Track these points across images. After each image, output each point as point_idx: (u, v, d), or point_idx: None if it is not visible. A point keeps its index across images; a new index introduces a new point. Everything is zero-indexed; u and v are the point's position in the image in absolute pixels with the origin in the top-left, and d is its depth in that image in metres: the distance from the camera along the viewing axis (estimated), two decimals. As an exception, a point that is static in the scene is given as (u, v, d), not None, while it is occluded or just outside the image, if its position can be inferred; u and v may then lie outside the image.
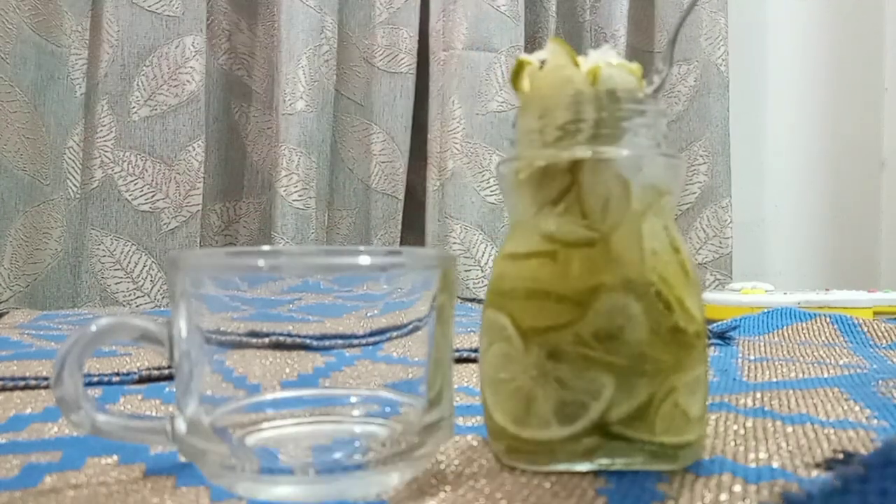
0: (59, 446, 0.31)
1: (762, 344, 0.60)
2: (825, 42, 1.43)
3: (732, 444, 0.30)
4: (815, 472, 0.27)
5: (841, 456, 0.28)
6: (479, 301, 1.10)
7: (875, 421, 0.34)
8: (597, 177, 0.27)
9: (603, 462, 0.27)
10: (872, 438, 0.31)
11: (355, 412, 0.29)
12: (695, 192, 1.30)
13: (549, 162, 0.28)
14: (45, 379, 0.43)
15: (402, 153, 1.19)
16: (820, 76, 1.43)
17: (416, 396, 0.27)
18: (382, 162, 1.19)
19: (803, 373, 0.47)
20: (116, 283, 1.01)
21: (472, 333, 0.58)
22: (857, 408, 0.36)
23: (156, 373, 0.46)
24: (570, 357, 0.26)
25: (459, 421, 0.34)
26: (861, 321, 0.65)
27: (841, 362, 0.51)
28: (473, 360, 0.50)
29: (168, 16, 1.04)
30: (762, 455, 0.29)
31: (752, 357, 0.54)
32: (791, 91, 1.43)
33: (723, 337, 0.62)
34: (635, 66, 0.29)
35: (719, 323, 0.67)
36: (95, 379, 0.44)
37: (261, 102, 1.17)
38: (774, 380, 0.45)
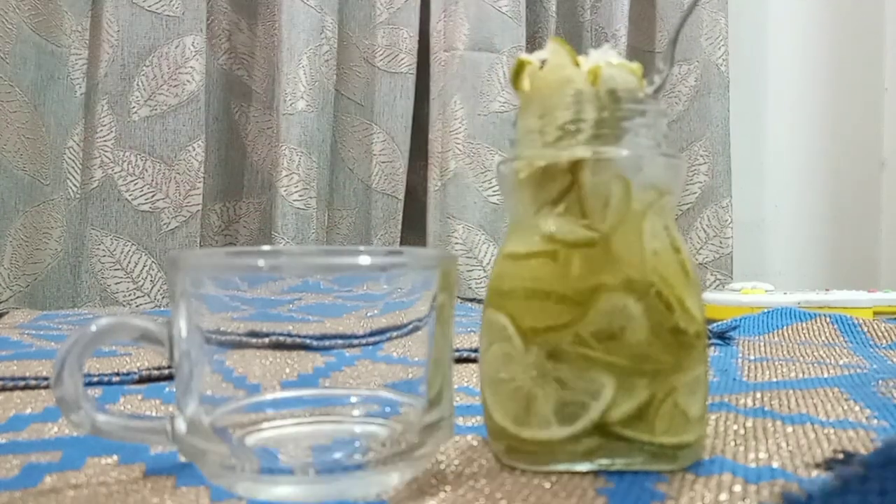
0: (59, 446, 0.31)
1: (762, 344, 0.60)
2: (825, 42, 1.43)
3: (732, 444, 0.30)
4: (815, 472, 0.27)
5: (841, 456, 0.28)
6: (480, 301, 1.10)
7: (875, 421, 0.34)
8: (597, 177, 0.27)
9: (603, 462, 0.27)
10: (872, 438, 0.31)
11: (355, 412, 0.29)
12: (695, 192, 1.30)
13: (550, 162, 0.28)
14: (45, 379, 0.43)
15: (402, 153, 1.19)
16: (820, 76, 1.43)
17: (416, 396, 0.27)
18: (382, 162, 1.19)
19: (803, 373, 0.47)
20: (116, 283, 1.01)
21: (472, 333, 0.58)
22: (857, 408, 0.36)
23: (156, 373, 0.46)
24: (571, 357, 0.26)
25: (459, 421, 0.34)
26: (861, 321, 0.65)
27: (841, 362, 0.51)
28: (473, 360, 0.50)
29: (168, 16, 1.04)
30: (762, 455, 0.29)
31: (752, 357, 0.54)
32: (791, 91, 1.43)
33: (723, 337, 0.62)
34: (636, 66, 0.29)
35: (719, 323, 0.67)
36: (95, 379, 0.44)
37: (261, 102, 1.17)
38: (774, 380, 0.45)
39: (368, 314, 0.28)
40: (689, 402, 0.27)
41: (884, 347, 0.58)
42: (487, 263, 1.15)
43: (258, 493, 0.24)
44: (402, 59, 1.19)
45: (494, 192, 1.18)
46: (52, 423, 0.35)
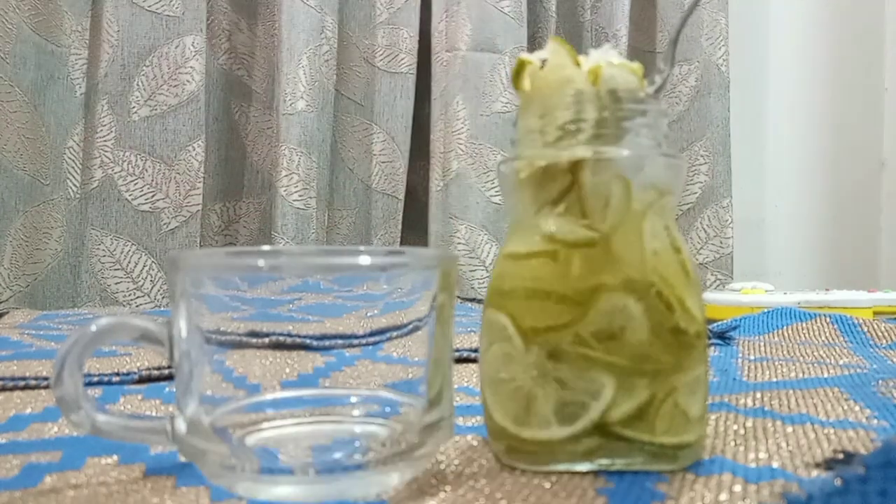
0: (59, 446, 0.31)
1: (762, 344, 0.60)
2: (825, 42, 1.43)
3: (732, 444, 0.30)
4: (815, 472, 0.27)
5: (841, 456, 0.28)
6: (480, 301, 1.10)
7: (875, 421, 0.34)
8: (597, 177, 0.27)
9: (603, 462, 0.27)
10: (872, 438, 0.31)
11: (355, 412, 0.29)
12: (695, 192, 1.30)
13: (550, 162, 0.27)
14: (45, 379, 0.43)
15: (402, 153, 1.19)
16: (820, 76, 1.43)
17: (416, 396, 0.27)
18: (382, 162, 1.19)
19: (803, 373, 0.47)
20: (116, 283, 1.01)
21: (472, 333, 0.58)
22: (857, 408, 0.36)
23: (156, 373, 0.46)
24: (571, 357, 0.26)
25: (459, 421, 0.34)
26: (861, 321, 0.65)
27: (841, 362, 0.51)
28: (473, 360, 0.50)
29: (168, 16, 1.04)
30: (762, 455, 0.29)
31: (752, 357, 0.54)
32: (791, 91, 1.43)
33: (723, 337, 0.62)
34: (636, 66, 0.29)
35: (719, 323, 0.67)
36: (95, 379, 0.44)
37: (261, 102, 1.17)
38: (774, 380, 0.45)
39: (368, 314, 0.28)
40: (689, 402, 0.27)
41: (884, 347, 0.58)
42: (490, 264, 1.15)
43: (258, 493, 0.24)
44: (402, 59, 1.19)
45: (497, 192, 1.18)
46: (52, 423, 0.35)
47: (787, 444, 0.30)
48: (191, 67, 1.04)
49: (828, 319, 0.67)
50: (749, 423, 0.33)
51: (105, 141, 1.02)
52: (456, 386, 0.43)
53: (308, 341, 0.27)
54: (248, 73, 1.18)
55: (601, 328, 0.26)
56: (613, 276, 0.26)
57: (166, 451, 0.30)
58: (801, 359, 0.53)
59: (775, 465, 0.27)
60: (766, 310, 0.72)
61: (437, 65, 1.20)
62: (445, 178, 1.18)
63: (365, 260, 0.26)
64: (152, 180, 1.03)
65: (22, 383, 0.43)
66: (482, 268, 1.16)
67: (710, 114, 1.30)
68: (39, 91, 1.00)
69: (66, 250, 1.01)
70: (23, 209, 0.98)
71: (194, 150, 1.04)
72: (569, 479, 0.26)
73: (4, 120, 0.96)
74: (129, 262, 1.01)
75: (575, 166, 0.27)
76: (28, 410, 0.38)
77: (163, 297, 1.02)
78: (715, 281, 1.29)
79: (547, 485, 0.26)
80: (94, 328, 0.26)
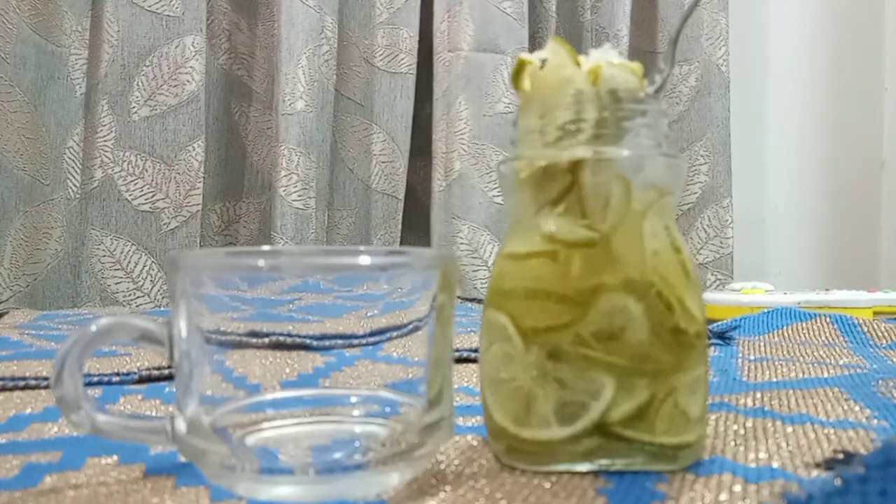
0: (59, 446, 0.31)
1: (762, 344, 0.60)
2: (825, 42, 1.43)
3: (732, 444, 0.30)
4: (815, 472, 0.27)
5: (841, 456, 0.28)
6: (480, 301, 1.10)
7: (875, 421, 0.34)
8: (598, 177, 0.27)
9: (603, 462, 0.27)
10: (872, 438, 0.31)
11: (355, 412, 0.29)
12: (696, 193, 1.30)
13: (550, 162, 0.27)
14: (45, 379, 0.43)
15: (402, 153, 1.19)
16: (820, 76, 1.43)
17: (416, 396, 0.27)
18: (382, 162, 1.19)
19: (803, 373, 0.47)
20: (116, 283, 1.01)
21: (472, 333, 0.58)
22: (857, 408, 0.36)
23: (156, 373, 0.46)
24: (571, 357, 0.26)
25: (459, 421, 0.34)
26: (861, 321, 0.65)
27: (841, 362, 0.51)
28: (473, 360, 0.50)
29: (168, 16, 1.04)
30: (762, 455, 0.29)
31: (752, 357, 0.54)
32: (791, 91, 1.43)
33: (723, 337, 0.62)
34: (636, 66, 0.29)
35: (719, 323, 0.67)
36: (95, 379, 0.44)
37: (261, 102, 1.17)
38: (774, 380, 0.45)
39: (368, 314, 0.28)
40: (689, 402, 0.27)
41: (884, 347, 0.58)
42: (492, 264, 1.15)
43: (258, 493, 0.24)
44: (402, 59, 1.19)
45: (499, 192, 1.18)
46: (52, 423, 0.35)
47: (787, 444, 0.30)
48: (191, 67, 1.04)
49: (828, 319, 0.67)
50: (749, 423, 0.33)
51: (105, 141, 1.02)
52: (456, 386, 0.43)
53: (308, 341, 0.27)
54: (248, 73, 1.18)
55: (601, 328, 0.26)
56: (613, 276, 0.26)
57: (166, 451, 0.30)
58: (801, 359, 0.53)
59: (775, 465, 0.27)
60: (766, 310, 0.72)
61: (439, 65, 1.20)
62: (448, 178, 1.18)
63: (365, 260, 0.26)
64: (152, 180, 1.03)
65: (22, 383, 0.43)
66: (484, 268, 1.16)
67: (710, 114, 1.30)
68: (39, 91, 1.00)
69: (66, 250, 1.01)
70: (23, 209, 0.98)
71: (194, 150, 1.04)
72: (569, 480, 0.26)
73: (4, 120, 0.96)
74: (129, 262, 1.01)
75: (575, 166, 0.27)
76: (28, 410, 0.38)
77: (163, 297, 1.02)
78: (715, 281, 1.29)
79: (547, 485, 0.26)
80: (94, 328, 0.26)
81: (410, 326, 0.27)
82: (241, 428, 0.26)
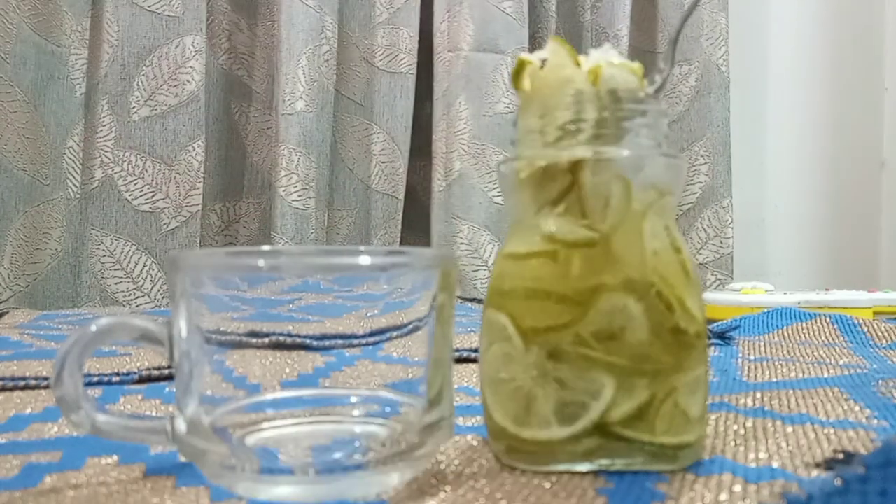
0: (59, 446, 0.31)
1: (762, 344, 0.60)
2: (825, 42, 1.43)
3: (732, 444, 0.30)
4: (815, 472, 0.27)
5: (841, 456, 0.28)
6: (480, 301, 1.10)
7: (875, 421, 0.34)
8: (598, 177, 0.27)
9: (603, 462, 0.27)
10: (872, 438, 0.31)
11: (355, 412, 0.29)
12: (696, 193, 1.30)
13: (550, 162, 0.27)
14: (45, 379, 0.43)
15: (402, 153, 1.19)
16: (820, 76, 1.43)
17: (416, 396, 0.27)
18: (382, 162, 1.19)
19: (803, 373, 0.47)
20: (116, 283, 1.01)
21: (472, 333, 0.58)
22: (857, 408, 0.36)
23: (156, 373, 0.46)
24: (571, 357, 0.26)
25: (459, 421, 0.34)
26: (861, 321, 0.65)
27: (841, 362, 0.51)
28: (473, 360, 0.50)
29: (168, 16, 1.04)
30: (762, 455, 0.29)
31: (752, 357, 0.54)
32: (791, 91, 1.43)
33: (723, 337, 0.62)
34: (636, 66, 0.29)
35: (719, 323, 0.67)
36: (95, 379, 0.44)
37: (261, 102, 1.17)
38: (774, 380, 0.45)
39: (368, 314, 0.28)
40: (689, 403, 0.27)
41: (884, 347, 0.58)
42: (492, 264, 1.15)
43: (258, 493, 0.24)
44: (402, 59, 1.19)
45: (500, 192, 1.18)
46: (52, 423, 0.35)
47: (787, 444, 0.30)
48: (191, 67, 1.04)
49: (828, 319, 0.67)
50: (749, 423, 0.33)
51: (105, 141, 1.02)
52: (456, 386, 0.43)
53: (308, 341, 0.27)
54: (248, 73, 1.18)
55: (601, 328, 0.26)
56: (613, 276, 0.26)
57: (166, 451, 0.30)
58: (801, 359, 0.53)
59: (775, 465, 0.27)
60: (766, 310, 0.72)
61: (439, 65, 1.20)
62: (448, 178, 1.18)
63: (365, 260, 0.26)
64: (152, 180, 1.03)
65: (22, 383, 0.43)
66: (485, 268, 1.16)
67: (710, 114, 1.30)
68: (39, 91, 1.00)
69: (66, 250, 1.01)
70: (23, 209, 0.98)
71: (194, 150, 1.04)
72: (569, 480, 0.26)
73: (4, 120, 0.96)
74: (129, 262, 1.01)
75: (575, 166, 0.27)
76: (28, 410, 0.38)
77: (163, 297, 1.02)
78: (715, 281, 1.29)
79: (547, 485, 0.26)
80: (94, 328, 0.26)
81: (410, 326, 0.27)
82: (241, 428, 0.26)
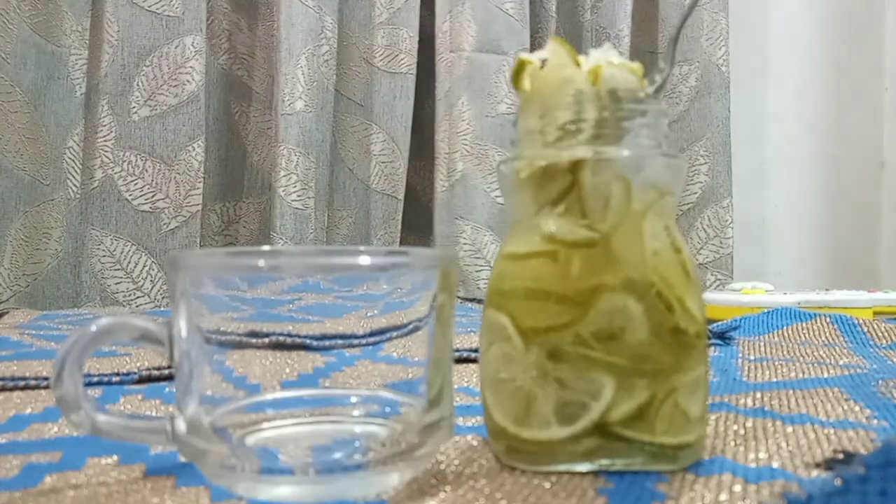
0: (59, 446, 0.31)
1: (762, 344, 0.60)
2: (825, 42, 1.43)
3: (732, 444, 0.30)
4: (815, 472, 0.27)
5: (841, 456, 0.28)
6: (481, 301, 1.10)
7: (875, 421, 0.34)
8: (598, 177, 0.27)
9: (603, 462, 0.27)
10: (872, 438, 0.31)
11: (355, 412, 0.29)
12: (696, 193, 1.30)
13: (550, 162, 0.27)
14: (45, 379, 0.43)
15: (402, 153, 1.19)
16: (820, 76, 1.43)
17: (416, 396, 0.27)
18: (382, 162, 1.19)
19: (803, 373, 0.47)
20: (116, 283, 1.01)
21: (472, 333, 0.58)
22: (857, 408, 0.36)
23: (156, 373, 0.46)
24: (571, 357, 0.26)
25: (459, 421, 0.34)
26: (861, 321, 0.65)
27: (841, 362, 0.51)
28: (473, 360, 0.50)
29: (168, 16, 1.04)
30: (762, 455, 0.29)
31: (752, 357, 0.54)
32: (791, 91, 1.43)
33: (723, 337, 0.62)
34: (636, 66, 0.29)
35: (719, 323, 0.67)
36: (95, 379, 0.44)
37: (261, 102, 1.17)
38: (774, 380, 0.45)
39: (368, 314, 0.28)
40: (689, 403, 0.27)
41: (884, 347, 0.58)
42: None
43: (258, 493, 0.24)
44: (402, 59, 1.19)
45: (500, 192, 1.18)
46: (52, 423, 0.35)
47: (787, 444, 0.30)
48: (191, 67, 1.04)
49: (828, 319, 0.67)
50: (749, 423, 0.33)
51: (105, 141, 1.02)
52: (456, 386, 0.43)
53: (308, 341, 0.27)
54: (248, 73, 1.18)
55: (601, 328, 0.26)
56: (613, 276, 0.26)
57: (166, 451, 0.30)
58: (801, 359, 0.53)
59: (775, 465, 0.27)
60: (766, 310, 0.72)
61: (441, 65, 1.20)
62: (450, 178, 1.18)
63: (365, 260, 0.26)
64: (152, 180, 1.03)
65: (22, 383, 0.43)
66: (487, 268, 1.16)
67: (710, 114, 1.30)
68: (39, 91, 1.00)
69: (66, 250, 1.01)
70: (23, 209, 0.98)
71: (194, 150, 1.04)
72: (569, 480, 0.26)
73: (4, 120, 0.96)
74: (129, 262, 1.01)
75: (575, 166, 0.27)
76: (28, 410, 0.38)
77: (163, 297, 1.02)
78: (715, 281, 1.29)
79: (547, 485, 0.26)
80: (94, 328, 0.26)
81: (410, 326, 0.27)
82: (241, 428, 0.26)
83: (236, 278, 0.26)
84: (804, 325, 0.67)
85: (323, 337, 0.28)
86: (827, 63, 1.43)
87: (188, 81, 1.04)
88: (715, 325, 0.66)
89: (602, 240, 0.27)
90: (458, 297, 1.15)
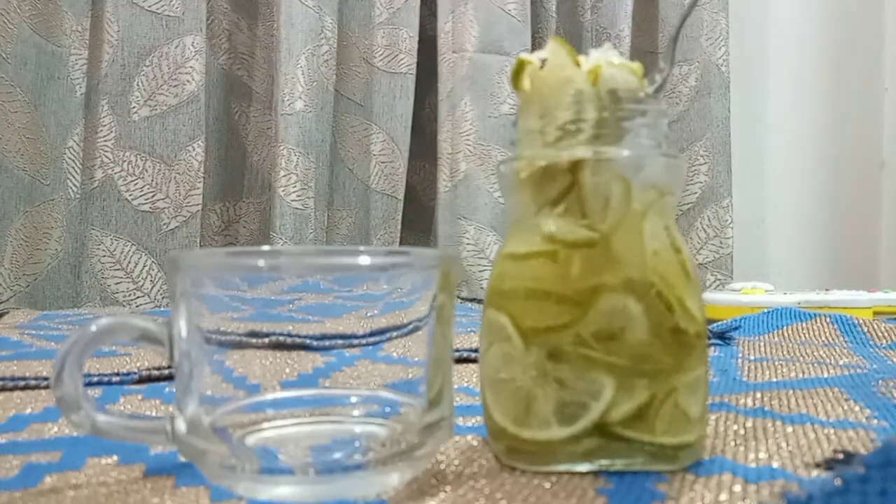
0: (59, 446, 0.31)
1: (762, 344, 0.60)
2: (825, 42, 1.43)
3: (732, 444, 0.30)
4: (815, 472, 0.27)
5: (841, 456, 0.28)
6: (480, 301, 1.10)
7: (875, 421, 0.34)
8: (598, 177, 0.27)
9: (603, 463, 0.27)
10: (872, 438, 0.31)
11: (355, 412, 0.29)
12: (695, 193, 1.30)
13: (550, 162, 0.27)
14: (45, 379, 0.43)
15: (401, 153, 1.19)
16: (820, 76, 1.43)
17: (416, 396, 0.27)
18: (382, 162, 1.19)
19: (803, 373, 0.47)
20: (116, 283, 1.01)
21: (472, 333, 0.58)
22: (857, 408, 0.36)
23: (156, 373, 0.46)
24: (571, 357, 0.26)
25: (459, 421, 0.34)
26: (861, 321, 0.65)
27: (841, 362, 0.51)
28: (473, 360, 0.50)
29: (168, 16, 1.04)
30: (762, 455, 0.29)
31: (752, 357, 0.54)
32: (791, 91, 1.43)
33: (723, 337, 0.62)
34: (636, 66, 0.29)
35: (719, 323, 0.67)
36: (95, 379, 0.44)
37: (261, 102, 1.17)
38: (774, 380, 0.45)
39: (368, 314, 0.28)
40: (689, 403, 0.27)
41: (884, 347, 0.58)
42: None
43: (258, 493, 0.24)
44: (402, 59, 1.19)
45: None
46: (52, 423, 0.35)
47: (787, 444, 0.30)
48: (191, 67, 1.04)
49: (828, 319, 0.67)
50: (749, 423, 0.33)
51: (105, 141, 1.02)
52: (456, 386, 0.43)
53: (308, 341, 0.27)
54: (248, 73, 1.18)
55: (601, 328, 0.26)
56: (613, 276, 0.26)
57: (166, 451, 0.30)
58: (801, 359, 0.53)
59: (775, 465, 0.27)
60: (766, 310, 0.72)
61: (443, 66, 1.20)
62: (453, 179, 1.18)
63: (365, 260, 0.26)
64: (152, 180, 1.03)
65: (22, 383, 0.43)
66: (490, 268, 1.16)
67: (710, 114, 1.30)
68: (39, 91, 1.00)
69: (66, 250, 1.01)
70: (23, 209, 0.98)
71: (194, 150, 1.04)
72: (569, 480, 0.26)
73: (5, 120, 0.96)
74: (129, 262, 1.01)
75: (575, 166, 0.27)
76: (28, 410, 0.38)
77: (163, 297, 1.02)
78: (715, 281, 1.29)
79: (547, 485, 0.26)
80: (94, 328, 0.26)
81: (410, 326, 0.27)
82: (241, 428, 0.26)
83: (236, 278, 0.26)
84: (804, 325, 0.67)
85: (323, 337, 0.28)
86: (827, 63, 1.43)
87: (188, 81, 1.04)
88: (715, 325, 0.66)
89: (602, 240, 0.27)
90: (462, 297, 1.15)
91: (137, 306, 1.01)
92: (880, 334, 0.62)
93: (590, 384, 0.26)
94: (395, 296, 0.27)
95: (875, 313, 0.79)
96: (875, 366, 0.49)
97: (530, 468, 0.27)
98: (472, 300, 1.13)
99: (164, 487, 0.26)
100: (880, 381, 0.43)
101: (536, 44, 1.27)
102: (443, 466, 0.28)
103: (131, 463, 0.28)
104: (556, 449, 0.27)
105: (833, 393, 0.40)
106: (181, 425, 0.26)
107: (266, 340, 0.27)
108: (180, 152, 1.04)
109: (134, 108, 1.03)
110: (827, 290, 0.89)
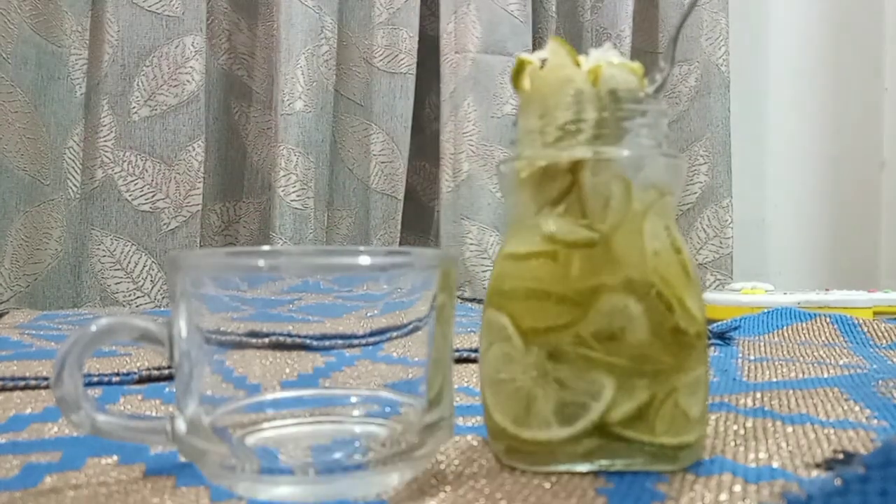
0: (59, 446, 0.31)
1: (762, 344, 0.60)
2: (825, 42, 1.43)
3: (732, 444, 0.30)
4: (815, 472, 0.27)
5: (841, 456, 0.28)
6: (480, 301, 1.10)
7: (875, 421, 0.34)
8: (598, 177, 0.27)
9: (603, 463, 0.27)
10: (872, 438, 0.31)
11: (355, 412, 0.29)
12: (695, 193, 1.30)
13: (550, 162, 0.27)
14: (45, 379, 0.43)
15: (401, 153, 1.19)
16: (820, 76, 1.43)
17: (416, 396, 0.27)
18: (382, 162, 1.19)
19: (803, 373, 0.47)
20: (116, 283, 1.01)
21: (472, 333, 0.58)
22: (857, 408, 0.36)
23: (156, 373, 0.46)
24: (571, 358, 0.26)
25: (459, 421, 0.34)
26: (861, 321, 0.65)
27: (841, 362, 0.51)
28: (473, 360, 0.50)
29: (168, 16, 1.04)
30: (762, 455, 0.29)
31: (752, 357, 0.54)
32: (791, 91, 1.43)
33: (723, 337, 0.62)
34: (636, 66, 0.29)
35: (719, 323, 0.67)
36: (95, 379, 0.44)
37: (261, 102, 1.17)
38: (774, 380, 0.45)
39: (368, 314, 0.28)
40: (689, 403, 0.27)
41: (884, 347, 0.58)
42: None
43: (258, 493, 0.24)
44: (402, 60, 1.19)
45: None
46: (52, 423, 0.35)
47: (787, 444, 0.30)
48: (191, 67, 1.04)
49: (828, 319, 0.67)
50: (749, 423, 0.33)
51: (105, 141, 1.02)
52: (456, 386, 0.43)
53: (308, 341, 0.27)
54: (248, 73, 1.18)
55: (601, 328, 0.26)
56: (613, 276, 0.26)
57: (166, 451, 0.30)
58: (801, 359, 0.53)
59: (775, 465, 0.27)
60: (766, 310, 0.72)
61: (445, 66, 1.20)
62: (456, 179, 1.19)
63: (365, 260, 0.26)
64: (152, 180, 1.03)
65: (22, 383, 0.43)
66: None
67: (710, 114, 1.30)
68: (40, 91, 1.00)
69: (66, 250, 1.01)
70: (23, 209, 0.98)
71: (194, 150, 1.04)
72: (569, 480, 0.26)
73: (5, 120, 0.96)
74: (129, 263, 1.01)
75: (575, 166, 0.27)
76: (28, 410, 0.38)
77: (163, 297, 1.02)
78: (715, 281, 1.29)
79: (547, 485, 0.26)
80: (94, 328, 0.26)
81: (410, 326, 0.27)
82: (241, 428, 0.26)
83: (236, 278, 0.26)
84: (804, 325, 0.67)
85: (323, 337, 0.28)
86: (827, 63, 1.43)
87: (188, 81, 1.04)
88: (715, 325, 0.66)
89: (602, 240, 0.27)
90: (464, 298, 1.15)
91: (137, 306, 1.01)
92: (880, 334, 0.62)
93: (590, 384, 0.26)
94: (395, 296, 0.27)
95: (875, 313, 0.79)
96: (875, 366, 0.49)
97: (530, 468, 0.27)
98: (472, 300, 1.13)
99: (164, 487, 0.26)
100: (880, 381, 0.43)
101: (537, 44, 1.27)
102: (443, 466, 0.28)
103: (131, 463, 0.28)
104: (556, 449, 0.27)
105: (833, 393, 0.40)
106: (181, 425, 0.26)
107: (266, 340, 0.27)
108: (180, 152, 1.04)
109: (134, 108, 1.03)
110: (827, 290, 0.89)
